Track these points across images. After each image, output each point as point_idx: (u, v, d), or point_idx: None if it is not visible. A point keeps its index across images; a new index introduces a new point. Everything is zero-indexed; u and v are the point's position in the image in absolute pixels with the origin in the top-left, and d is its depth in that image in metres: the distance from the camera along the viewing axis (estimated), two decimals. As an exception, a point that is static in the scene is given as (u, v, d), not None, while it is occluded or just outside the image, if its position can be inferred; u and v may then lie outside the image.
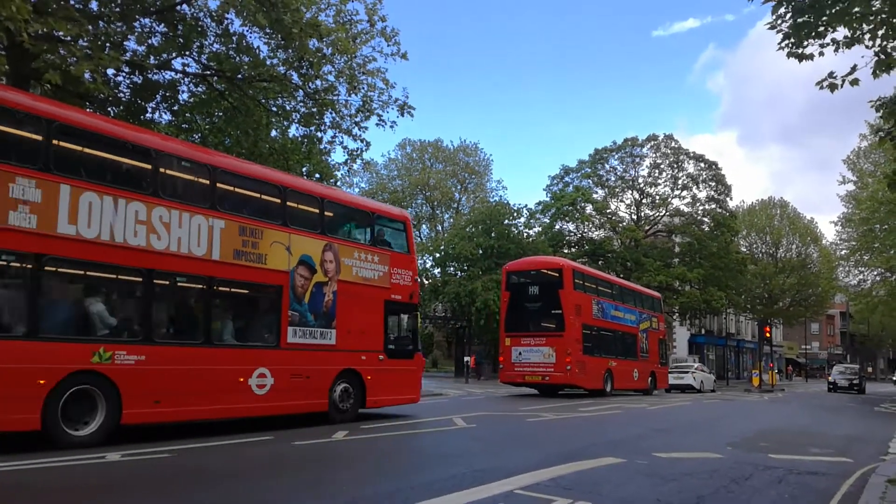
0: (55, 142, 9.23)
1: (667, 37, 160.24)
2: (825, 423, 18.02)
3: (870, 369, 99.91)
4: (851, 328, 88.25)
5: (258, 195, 12.38)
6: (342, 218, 14.48)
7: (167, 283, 10.67)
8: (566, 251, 49.67)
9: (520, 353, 24.44)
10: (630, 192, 53.01)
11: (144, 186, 10.28)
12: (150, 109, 13.80)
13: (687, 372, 36.79)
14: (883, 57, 8.78)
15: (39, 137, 9.05)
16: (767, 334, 45.74)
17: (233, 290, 11.79)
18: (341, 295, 13.29)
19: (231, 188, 11.91)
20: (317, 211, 13.21)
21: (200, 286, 11.02)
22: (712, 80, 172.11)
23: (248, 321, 12.22)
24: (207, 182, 11.21)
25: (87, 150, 9.92)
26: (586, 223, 51.03)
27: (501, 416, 15.70)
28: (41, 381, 8.64)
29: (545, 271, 25.77)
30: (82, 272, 9.77)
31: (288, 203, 12.57)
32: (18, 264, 8.88)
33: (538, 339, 24.22)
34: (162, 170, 10.58)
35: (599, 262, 48.86)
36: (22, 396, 8.45)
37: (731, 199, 52.71)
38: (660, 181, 51.92)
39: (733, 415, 19.73)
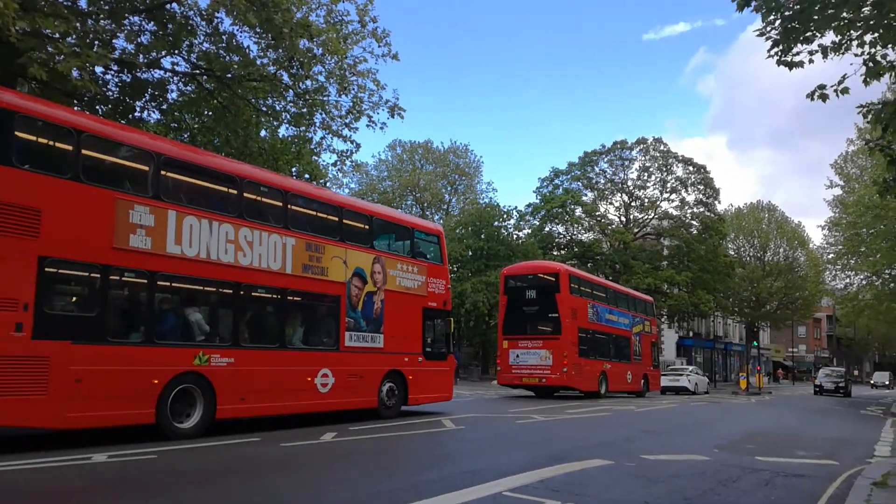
0: (163, 173, 10.63)
1: (658, 40, 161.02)
2: (812, 425, 18.12)
3: (856, 372, 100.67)
4: (838, 332, 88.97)
5: (320, 214, 14.02)
6: (387, 232, 16.10)
7: (251, 294, 12.17)
8: (555, 253, 49.82)
9: (517, 356, 24.86)
10: (619, 194, 53.23)
11: (232, 210, 11.71)
12: (138, 108, 13.71)
13: (682, 374, 38.00)
14: (872, 65, 8.85)
15: (149, 169, 10.46)
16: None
17: (301, 299, 13.17)
18: (387, 303, 14.86)
19: (299, 209, 13.42)
20: (367, 227, 14.91)
21: (276, 297, 12.55)
22: (703, 84, 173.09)
23: (313, 327, 13.74)
24: (280, 204, 12.73)
25: (187, 179, 11.45)
26: (576, 225, 51.21)
27: (491, 418, 15.70)
28: (155, 381, 10.08)
29: (542, 275, 26.28)
30: (185, 286, 11.12)
31: (344, 221, 14.14)
32: (137, 280, 10.34)
33: (535, 341, 24.65)
34: (245, 195, 12.08)
35: (588, 265, 49.03)
36: (140, 394, 9.86)
37: (719, 202, 53.08)
38: (649, 184, 52.19)
39: (721, 417, 19.81)
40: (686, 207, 51.61)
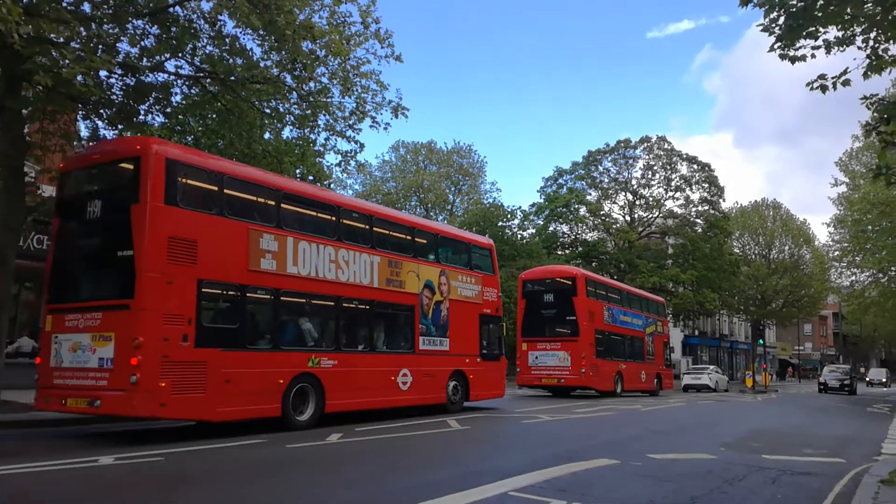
0: (283, 205, 12.72)
1: (662, 38, 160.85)
2: (818, 423, 18.07)
3: (862, 370, 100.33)
4: (844, 329, 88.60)
5: (397, 235, 16.12)
6: (449, 248, 18.18)
7: (347, 305, 14.10)
8: (560, 253, 49.78)
9: (536, 357, 25.92)
10: (623, 193, 53.16)
11: (332, 234, 13.71)
12: (142, 112, 13.74)
13: (703, 373, 40.83)
14: (874, 59, 8.83)
15: (274, 203, 12.55)
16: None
17: (385, 309, 15.21)
18: (451, 310, 16.94)
19: (382, 231, 15.48)
20: (434, 244, 17.28)
21: (367, 307, 14.58)
22: (708, 81, 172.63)
23: (394, 333, 15.71)
24: (367, 227, 14.88)
25: (299, 210, 13.48)
26: (580, 225, 51.14)
27: (497, 418, 15.71)
28: (280, 381, 12.07)
29: (560, 279, 27.21)
30: (300, 300, 13.11)
31: (416, 239, 16.40)
32: (266, 297, 12.20)
33: (553, 343, 25.72)
34: (342, 220, 14.13)
35: (593, 264, 48.96)
36: (269, 392, 11.83)
37: (724, 200, 52.97)
38: (653, 183, 52.11)
39: (727, 416, 19.77)
40: (691, 206, 51.55)
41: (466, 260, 18.28)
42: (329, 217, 13.98)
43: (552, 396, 25.72)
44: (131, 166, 10.83)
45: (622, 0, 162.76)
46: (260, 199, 12.54)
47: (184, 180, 11.07)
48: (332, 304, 13.79)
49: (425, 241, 17.06)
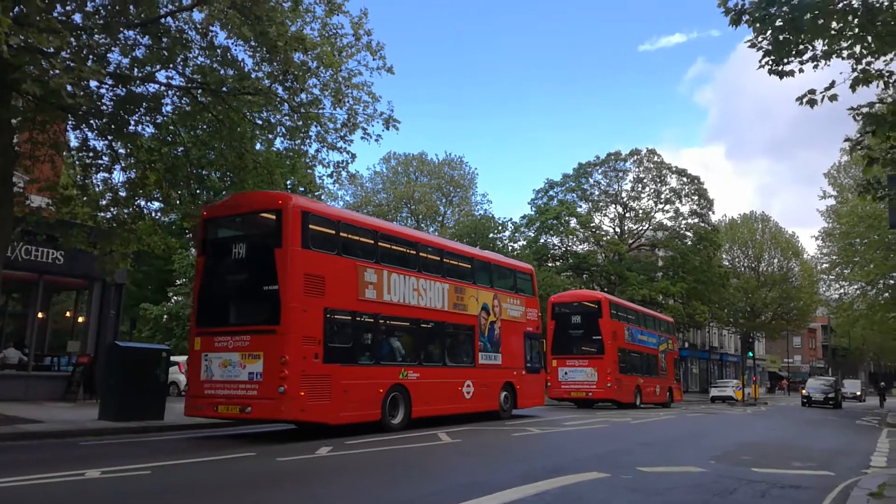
0: (379, 244, 15.47)
1: (653, 51, 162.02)
2: (807, 436, 18.11)
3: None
4: (833, 342, 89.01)
5: (460, 264, 18.79)
6: (499, 274, 20.68)
7: (425, 326, 16.70)
8: (550, 265, 49.84)
9: (565, 373, 28.70)
10: (614, 206, 53.35)
11: (413, 265, 16.34)
12: (132, 122, 13.68)
13: (728, 386, 46.52)
14: (861, 73, 8.93)
15: (373, 242, 15.26)
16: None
17: (453, 329, 17.78)
18: (502, 329, 19.52)
19: (449, 262, 18.23)
20: (487, 271, 19.93)
21: (439, 328, 17.16)
22: (700, 94, 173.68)
23: (459, 349, 18.10)
24: (439, 259, 17.69)
25: (390, 247, 16.20)
26: (570, 237, 51.25)
27: (486, 431, 15.65)
28: (380, 390, 14.62)
29: (586, 303, 30.48)
30: (391, 323, 15.69)
31: (474, 268, 19.18)
32: (369, 321, 14.83)
33: (581, 360, 28.55)
34: (420, 254, 16.90)
35: (584, 276, 49.08)
36: (373, 400, 14.35)
37: (713, 213, 53.23)
38: (643, 195, 52.32)
39: (717, 428, 19.78)
40: (680, 218, 51.76)
41: (512, 284, 20.93)
42: (411, 252, 16.79)
43: (577, 408, 28.23)
44: (273, 217, 13.33)
45: (614, 14, 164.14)
46: (363, 239, 15.26)
47: (312, 227, 13.57)
48: (414, 325, 16.46)
49: (481, 269, 19.74)
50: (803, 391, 42.00)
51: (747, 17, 8.79)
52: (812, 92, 9.06)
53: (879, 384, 50.40)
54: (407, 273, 16.06)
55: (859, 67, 8.96)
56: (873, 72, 9.07)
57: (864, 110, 10.06)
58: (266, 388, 12.46)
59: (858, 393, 58.83)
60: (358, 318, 14.60)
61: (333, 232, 14.29)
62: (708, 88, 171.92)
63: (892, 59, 8.99)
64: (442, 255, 18.04)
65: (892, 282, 37.17)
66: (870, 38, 8.56)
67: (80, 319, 21.84)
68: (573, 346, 28.83)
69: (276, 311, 12.71)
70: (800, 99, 9.15)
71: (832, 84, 8.94)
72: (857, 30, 8.58)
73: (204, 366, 13.44)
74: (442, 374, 16.97)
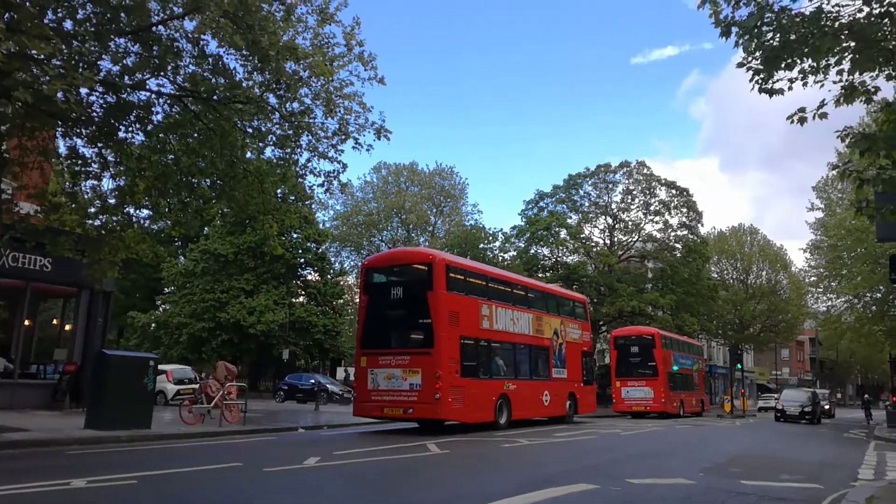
0: (489, 285, 20.80)
1: (646, 64, 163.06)
2: (796, 448, 18.16)
3: (839, 395, 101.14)
4: (821, 354, 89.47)
5: (538, 297, 24.10)
6: (563, 304, 26.11)
7: (517, 348, 21.58)
8: (541, 275, 49.89)
9: (627, 392, 35.45)
10: (603, 217, 53.47)
11: (508, 300, 21.47)
12: (122, 130, 13.62)
13: (772, 398, 50.08)
14: (849, 91, 9.00)
15: (485, 284, 20.57)
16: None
17: (535, 350, 22.65)
18: (566, 349, 24.47)
19: (531, 296, 23.56)
20: (555, 302, 25.30)
21: (526, 349, 22.08)
22: (695, 106, 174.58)
23: (539, 366, 22.79)
24: (524, 294, 23.06)
25: (496, 287, 21.29)
26: (561, 248, 51.29)
27: (475, 442, 15.61)
28: (493, 398, 19.37)
29: (643, 336, 36.61)
30: (497, 346, 20.48)
31: (546, 300, 24.62)
32: (485, 344, 19.75)
33: (640, 381, 35.15)
34: (514, 291, 22.32)
35: (574, 287, 49.09)
36: (488, 405, 19.11)
37: (702, 225, 53.41)
38: (632, 207, 52.45)
39: (706, 440, 19.81)
40: (669, 230, 51.91)
41: (571, 311, 26.35)
42: (507, 289, 22.00)
43: (631, 418, 33.18)
44: (425, 268, 18.40)
45: (605, 27, 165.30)
46: (479, 282, 20.39)
47: (451, 275, 18.53)
48: (511, 347, 21.21)
49: (552, 300, 25.11)
50: (777, 405, 37.84)
51: (737, 29, 8.87)
52: (802, 110, 9.15)
53: (864, 397, 46.45)
54: (505, 307, 21.11)
55: (843, 80, 9.03)
56: (858, 87, 9.15)
57: (856, 131, 10.14)
58: (425, 395, 17.20)
59: (826, 406, 47.13)
60: (479, 343, 19.43)
61: (463, 278, 19.41)
62: (702, 101, 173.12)
63: (877, 76, 9.08)
64: (526, 290, 23.47)
65: (878, 295, 37.34)
66: (857, 56, 8.65)
67: (68, 327, 21.69)
68: (633, 370, 35.42)
69: (430, 338, 17.57)
70: (790, 117, 9.22)
71: (822, 103, 9.03)
72: (844, 47, 8.66)
73: (370, 378, 18.22)
74: (530, 386, 21.79)
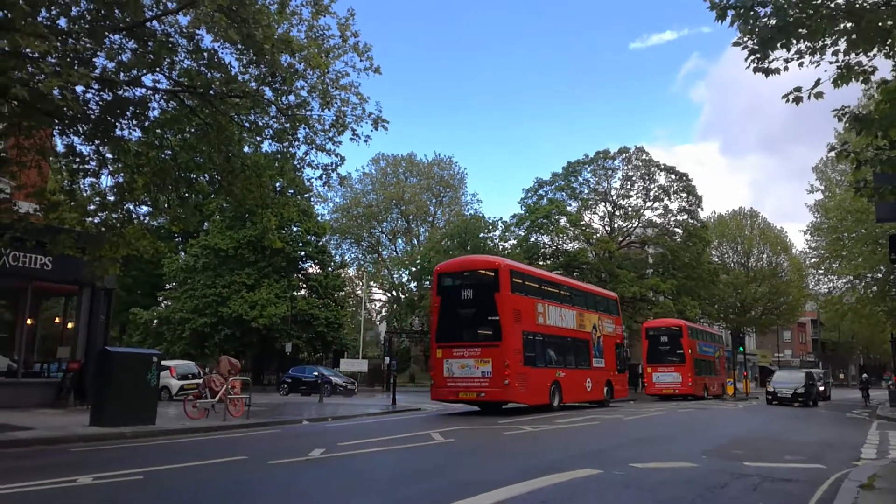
0: (542, 287, 24.40)
1: (645, 49, 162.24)
2: (798, 430, 18.23)
3: (841, 376, 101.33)
4: (823, 335, 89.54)
5: (580, 296, 27.68)
6: (599, 301, 29.57)
7: (566, 341, 25.15)
8: (541, 263, 49.92)
9: (657, 377, 39.21)
10: (603, 204, 53.46)
11: (557, 299, 25.02)
12: (119, 126, 13.58)
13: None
14: (845, 70, 8.98)
15: (538, 286, 24.08)
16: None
17: (579, 343, 26.13)
18: (603, 341, 28.02)
19: (575, 295, 27.16)
20: (593, 300, 28.94)
21: (572, 341, 25.57)
22: (694, 91, 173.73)
23: (582, 356, 26.19)
24: (569, 294, 26.76)
25: (547, 288, 24.91)
26: (561, 235, 51.32)
27: (479, 430, 15.68)
28: (548, 384, 22.69)
29: (671, 327, 40.41)
30: (550, 339, 23.91)
31: (586, 298, 28.17)
32: (541, 338, 23.10)
33: (668, 367, 38.97)
34: (560, 291, 25.94)
35: (574, 274, 49.13)
36: (544, 391, 22.44)
37: (702, 209, 53.40)
38: (632, 193, 52.42)
39: (708, 423, 19.89)
40: (669, 215, 51.90)
41: (606, 307, 29.85)
42: (555, 290, 25.77)
43: (659, 400, 36.47)
44: (492, 273, 21.88)
45: (602, 12, 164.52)
46: (535, 284, 24.04)
47: (514, 279, 22.08)
48: (560, 340, 24.70)
49: (590, 298, 28.72)
50: (769, 387, 35.78)
51: (732, 12, 8.84)
52: (798, 89, 9.12)
53: (862, 377, 43.37)
54: (555, 305, 24.62)
55: (839, 61, 9.01)
56: (855, 68, 9.13)
57: (852, 110, 10.13)
58: (495, 381, 20.51)
59: (822, 388, 42.79)
60: (536, 336, 22.74)
61: (522, 281, 22.92)
62: (702, 85, 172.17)
63: (874, 56, 9.06)
64: (570, 290, 27.35)
65: (879, 275, 37.33)
66: (854, 36, 8.62)
67: (70, 325, 21.73)
68: (663, 357, 39.12)
69: (498, 332, 20.87)
70: (786, 96, 9.20)
71: (818, 82, 9.00)
72: (840, 27, 8.64)
73: (446, 367, 21.47)
74: (575, 374, 25.10)
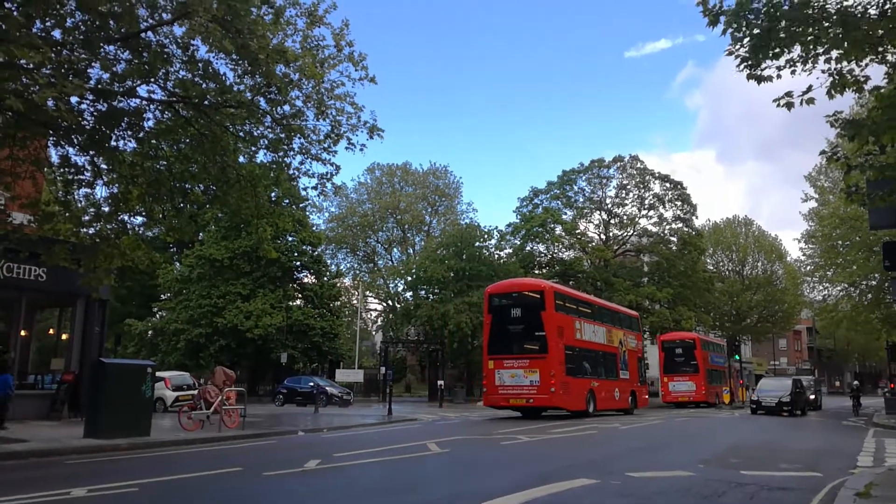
0: (579, 307, 27.90)
1: (640, 57, 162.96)
2: (794, 438, 18.22)
3: (837, 383, 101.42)
4: (818, 343, 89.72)
5: (608, 315, 30.77)
6: (623, 319, 32.95)
7: (598, 354, 28.08)
8: (537, 272, 49.95)
9: (673, 386, 42.03)
10: (598, 212, 53.61)
11: (590, 317, 28.07)
12: (114, 137, 13.57)
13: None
14: (837, 78, 9.03)
15: (576, 307, 27.54)
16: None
17: (608, 356, 29.11)
18: (628, 355, 31.11)
19: (604, 313, 30.24)
20: (618, 317, 32.17)
21: (603, 355, 28.53)
22: (690, 98, 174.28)
23: (611, 369, 29.22)
24: (600, 312, 29.72)
25: (583, 308, 28.11)
26: (556, 244, 51.40)
27: (476, 440, 15.64)
28: (584, 392, 25.83)
29: (686, 340, 43.72)
30: (585, 353, 26.82)
31: (613, 316, 31.38)
32: (578, 352, 26.19)
33: (684, 377, 41.69)
34: (593, 310, 28.99)
35: (570, 283, 49.16)
36: (582, 398, 25.46)
37: (696, 217, 53.59)
38: (627, 201, 52.59)
39: (705, 432, 19.86)
40: (664, 224, 52.05)
41: (629, 324, 33.37)
42: (588, 310, 28.78)
43: (675, 408, 39.50)
44: (538, 295, 25.12)
45: (595, 21, 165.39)
46: (573, 305, 27.29)
47: (557, 301, 25.22)
48: (594, 354, 27.81)
49: (616, 316, 32.06)
50: (752, 395, 34.18)
51: (724, 18, 8.89)
52: (789, 94, 9.17)
53: (853, 384, 41.90)
54: (589, 322, 27.78)
55: (832, 68, 9.06)
56: (849, 77, 9.17)
57: (844, 116, 10.18)
58: (542, 389, 23.56)
59: (812, 396, 40.82)
60: (575, 350, 25.80)
61: (563, 302, 26.22)
62: (697, 93, 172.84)
63: (867, 65, 9.10)
64: (601, 309, 30.67)
65: (874, 283, 37.39)
66: (846, 44, 8.67)
67: (64, 336, 21.63)
68: (678, 368, 41.87)
69: (544, 346, 24.04)
70: (777, 101, 9.25)
71: (809, 88, 9.04)
72: (832, 36, 8.68)
73: (497, 376, 24.57)
74: (606, 384, 28.08)
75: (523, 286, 27.44)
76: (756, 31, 8.74)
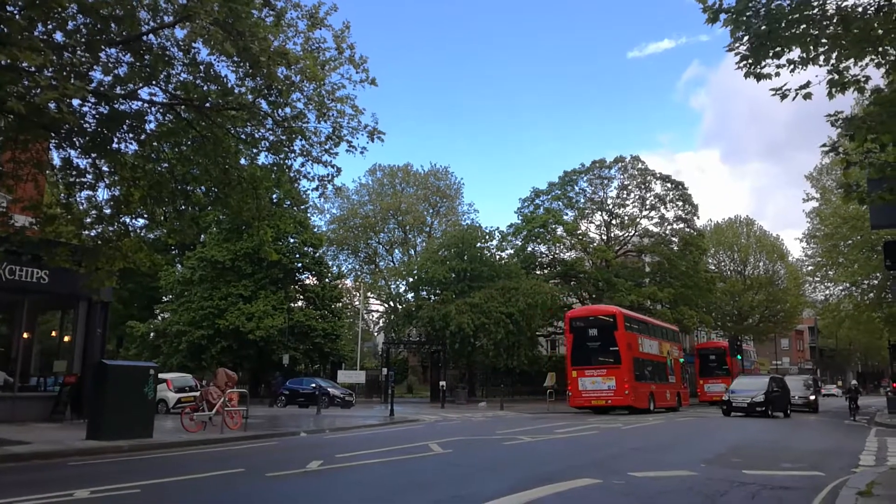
0: (640, 326, 35.08)
1: (643, 57, 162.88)
2: (796, 437, 18.21)
3: (840, 382, 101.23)
4: (820, 343, 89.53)
5: (656, 330, 37.30)
6: (668, 333, 39.27)
7: (654, 363, 34.94)
8: (538, 273, 49.94)
9: (709, 387, 47.93)
10: (599, 213, 53.59)
11: (646, 332, 35.06)
12: (116, 139, 13.59)
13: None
14: (836, 76, 9.03)
15: (638, 327, 34.52)
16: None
17: (660, 364, 35.74)
18: (673, 363, 37.54)
19: (656, 329, 37.37)
20: (666, 332, 38.92)
21: (657, 364, 35.41)
22: (695, 98, 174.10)
23: (662, 374, 35.91)
24: (654, 328, 37.16)
25: (643, 326, 35.62)
26: (557, 245, 51.40)
27: (478, 441, 15.64)
28: (647, 393, 32.37)
29: (720, 348, 51.02)
30: (645, 362, 33.55)
31: (662, 331, 38.23)
32: (642, 362, 33.15)
33: (717, 379, 47.11)
34: (649, 327, 36.55)
35: (572, 283, 49.19)
36: (646, 399, 32.02)
37: (698, 217, 53.56)
38: (628, 202, 52.59)
39: (707, 432, 19.86)
40: (665, 224, 52.04)
41: (673, 337, 40.13)
42: (646, 326, 35.35)
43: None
44: (611, 318, 31.81)
45: (597, 22, 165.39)
46: (636, 325, 33.53)
47: (625, 322, 31.77)
48: (651, 363, 33.84)
49: (663, 330, 38.14)
50: (723, 395, 32.11)
51: (724, 15, 8.89)
52: (786, 86, 9.17)
53: (850, 385, 39.30)
54: (647, 337, 34.23)
55: (832, 66, 9.05)
56: (849, 77, 9.17)
57: (844, 114, 10.17)
58: (618, 392, 29.92)
59: (812, 398, 37.88)
60: (640, 360, 32.05)
61: (629, 323, 32.39)
62: (702, 92, 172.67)
63: (867, 65, 9.10)
64: (655, 326, 37.15)
65: (875, 282, 37.37)
66: (845, 42, 8.67)
67: (66, 339, 21.65)
68: (713, 371, 48.40)
69: (618, 358, 30.45)
70: (773, 90, 9.25)
71: (807, 84, 9.04)
72: (831, 33, 8.68)
73: (580, 383, 30.92)
74: (661, 387, 34.31)
75: (598, 311, 34.47)
76: (758, 30, 8.73)
